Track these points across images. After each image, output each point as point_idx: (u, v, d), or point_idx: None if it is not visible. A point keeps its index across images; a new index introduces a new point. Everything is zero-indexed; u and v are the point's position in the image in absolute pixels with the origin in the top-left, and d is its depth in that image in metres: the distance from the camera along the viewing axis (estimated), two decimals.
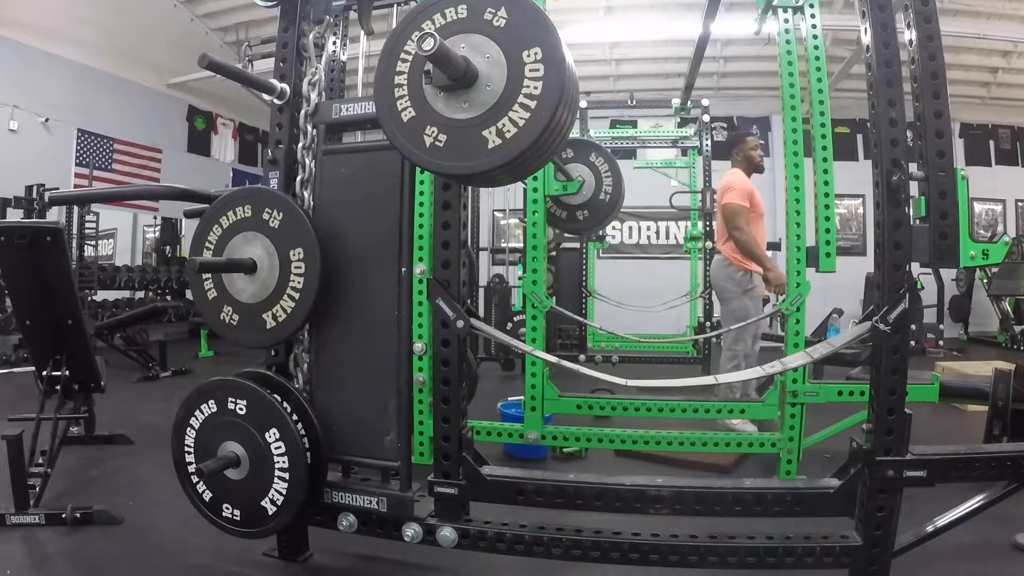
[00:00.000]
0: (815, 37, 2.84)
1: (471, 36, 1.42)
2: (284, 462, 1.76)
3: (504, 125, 1.40)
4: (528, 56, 1.39)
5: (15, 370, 5.28)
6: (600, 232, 5.96)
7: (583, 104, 5.49)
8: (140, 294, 7.65)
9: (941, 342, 7.50)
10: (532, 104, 1.38)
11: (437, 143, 1.44)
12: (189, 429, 1.85)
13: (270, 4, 2.04)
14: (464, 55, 1.40)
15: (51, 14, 6.95)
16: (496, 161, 1.41)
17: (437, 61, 1.35)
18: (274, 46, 2.04)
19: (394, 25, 1.55)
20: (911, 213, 1.64)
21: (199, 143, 9.41)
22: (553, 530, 1.73)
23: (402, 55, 1.48)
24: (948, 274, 8.33)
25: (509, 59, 1.40)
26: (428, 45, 1.30)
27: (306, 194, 1.94)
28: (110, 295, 7.15)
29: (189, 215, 2.97)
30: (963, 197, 1.63)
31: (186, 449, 1.86)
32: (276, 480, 1.76)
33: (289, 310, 1.80)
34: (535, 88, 1.38)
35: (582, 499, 1.73)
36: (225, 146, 9.86)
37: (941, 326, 7.77)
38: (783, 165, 2.84)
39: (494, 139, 1.40)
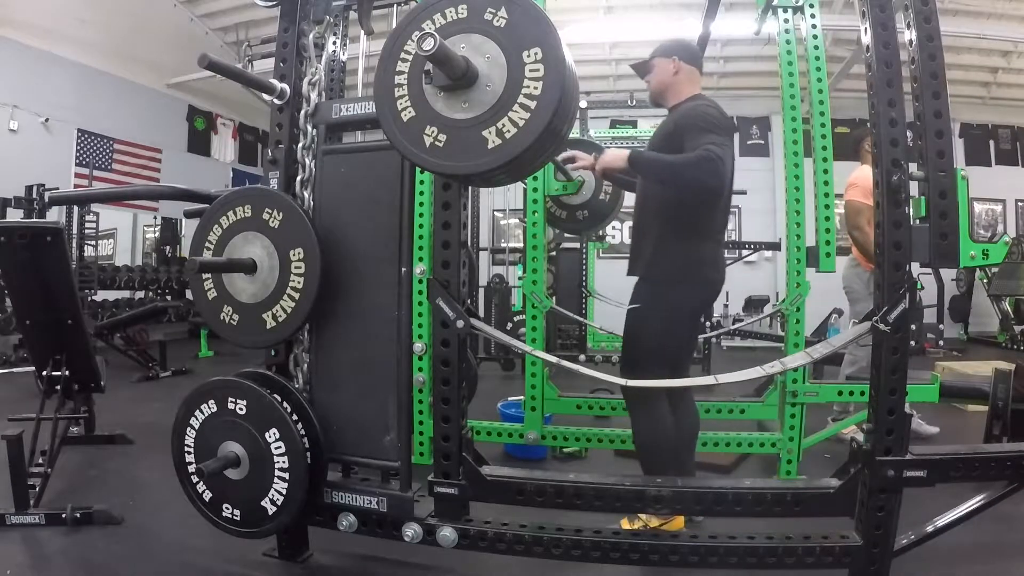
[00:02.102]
0: (815, 37, 2.85)
1: (471, 36, 1.42)
2: (284, 462, 1.76)
3: (504, 125, 1.40)
4: (528, 56, 1.39)
5: (15, 370, 5.28)
6: (600, 232, 5.96)
7: (583, 104, 5.49)
8: (140, 294, 7.65)
9: (941, 342, 7.50)
10: (532, 104, 1.38)
11: (437, 143, 1.45)
12: (189, 429, 1.85)
13: (270, 4, 2.03)
14: (464, 55, 1.40)
15: (51, 14, 6.94)
16: (496, 161, 1.41)
17: (437, 61, 1.35)
18: (274, 46, 2.04)
19: (394, 25, 1.55)
20: (911, 213, 1.64)
21: (199, 143, 9.41)
22: (553, 530, 1.73)
23: (402, 55, 1.48)
24: (948, 274, 8.32)
25: (509, 59, 1.40)
26: (428, 45, 1.30)
27: (306, 194, 1.94)
28: (110, 295, 7.14)
29: (189, 215, 2.97)
30: (963, 197, 1.63)
31: (186, 449, 1.86)
32: (276, 480, 1.76)
33: (289, 310, 1.80)
34: (535, 88, 1.38)
35: (582, 499, 1.73)
36: (225, 146, 9.86)
37: (941, 326, 7.76)
38: (783, 165, 2.84)
39: (494, 139, 1.40)
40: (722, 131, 2.03)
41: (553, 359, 1.93)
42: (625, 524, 2.11)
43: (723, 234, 2.28)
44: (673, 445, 2.18)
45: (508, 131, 1.40)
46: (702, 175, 1.95)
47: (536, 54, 1.38)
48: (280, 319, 1.81)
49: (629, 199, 3.99)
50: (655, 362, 2.16)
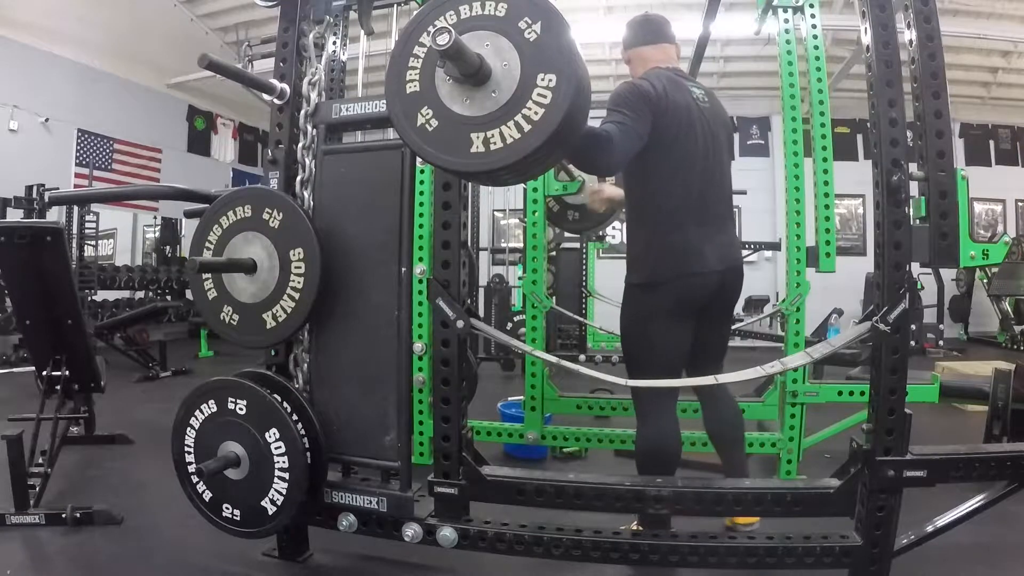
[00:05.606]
0: (815, 37, 2.84)
1: (499, 38, 1.39)
2: (284, 462, 1.76)
3: (492, 136, 1.38)
4: (542, 80, 1.35)
5: (15, 370, 5.28)
6: (600, 232, 5.96)
7: None
8: (140, 294, 7.65)
9: (941, 342, 7.50)
10: (526, 127, 1.35)
11: (427, 126, 1.43)
12: (189, 429, 1.85)
13: (270, 4, 2.04)
14: (484, 54, 1.38)
15: (51, 14, 6.94)
16: (472, 167, 1.40)
17: (449, 56, 1.34)
18: (274, 46, 2.04)
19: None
20: (911, 213, 1.64)
21: (199, 143, 9.41)
22: (553, 530, 1.73)
23: (430, 27, 1.43)
24: (948, 274, 8.33)
25: (524, 74, 1.37)
26: (443, 40, 1.28)
27: (306, 194, 1.94)
28: (110, 295, 7.14)
29: (189, 215, 2.98)
30: (963, 197, 1.63)
31: (186, 449, 1.86)
32: (276, 480, 1.76)
33: (289, 310, 1.80)
34: (535, 113, 1.35)
35: (582, 499, 1.73)
36: (225, 146, 9.86)
37: (941, 326, 7.77)
38: (783, 165, 2.84)
39: (478, 145, 1.39)
40: (626, 106, 1.84)
41: (553, 359, 1.93)
42: (635, 526, 2.08)
43: (701, 214, 1.98)
44: (675, 457, 2.09)
45: (494, 143, 1.37)
46: (589, 151, 1.77)
47: (550, 80, 1.35)
48: (280, 319, 1.82)
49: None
50: (649, 370, 2.05)
